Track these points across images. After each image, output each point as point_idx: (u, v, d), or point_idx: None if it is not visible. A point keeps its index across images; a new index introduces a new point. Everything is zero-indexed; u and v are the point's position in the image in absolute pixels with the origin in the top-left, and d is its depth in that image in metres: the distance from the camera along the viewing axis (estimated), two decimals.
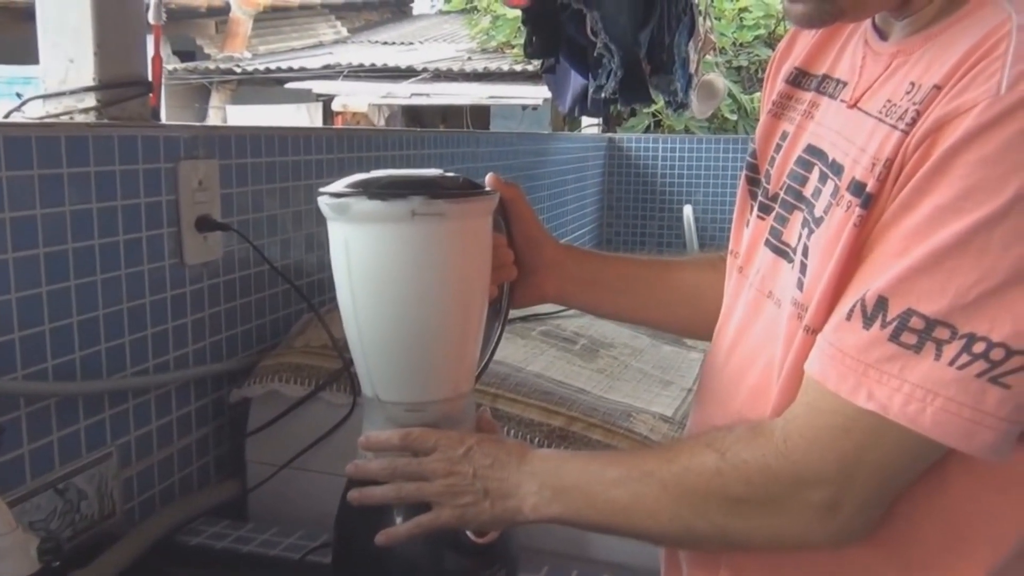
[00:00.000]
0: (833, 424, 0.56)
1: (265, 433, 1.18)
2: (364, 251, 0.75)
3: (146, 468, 1.09)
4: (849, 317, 0.55)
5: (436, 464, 0.74)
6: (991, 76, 0.52)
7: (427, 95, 6.30)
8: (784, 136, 0.71)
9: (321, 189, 0.77)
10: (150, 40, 1.16)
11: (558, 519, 0.69)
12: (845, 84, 0.66)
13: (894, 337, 0.53)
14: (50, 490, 0.94)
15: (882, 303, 0.54)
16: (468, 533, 0.78)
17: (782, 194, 0.69)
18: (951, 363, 0.52)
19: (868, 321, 0.54)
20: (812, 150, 0.66)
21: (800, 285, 0.62)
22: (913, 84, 0.57)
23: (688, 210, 3.75)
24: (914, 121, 0.55)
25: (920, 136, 0.54)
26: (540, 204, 2.86)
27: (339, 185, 0.77)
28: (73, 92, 1.05)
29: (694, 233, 3.67)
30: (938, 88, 0.55)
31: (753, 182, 0.75)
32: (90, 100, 1.05)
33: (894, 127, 0.57)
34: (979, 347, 0.51)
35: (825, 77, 0.69)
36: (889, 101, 0.59)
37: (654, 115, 5.16)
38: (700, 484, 0.62)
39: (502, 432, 0.80)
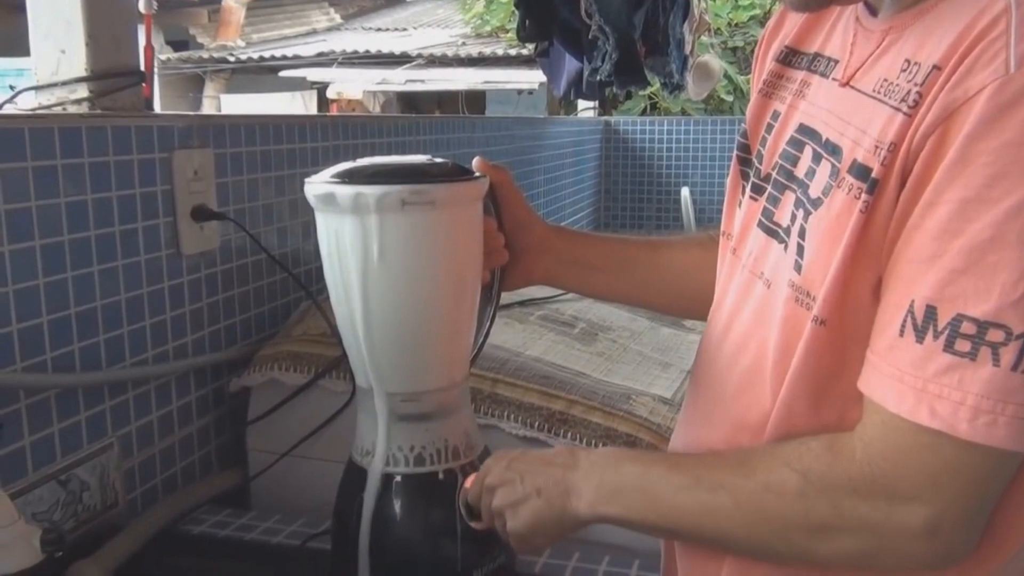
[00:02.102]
0: (914, 444, 0.54)
1: (266, 422, 1.18)
2: (353, 242, 0.75)
3: (148, 458, 1.10)
4: (902, 333, 0.53)
5: (490, 479, 0.75)
6: (996, 56, 0.50)
7: (422, 81, 6.28)
8: (775, 116, 0.71)
9: (308, 179, 0.76)
10: (141, 30, 1.16)
11: (617, 519, 0.68)
12: (836, 62, 0.65)
13: (948, 347, 0.51)
14: (52, 481, 0.94)
15: (931, 312, 0.51)
16: (467, 519, 0.78)
17: (774, 174, 0.68)
18: (1014, 367, 0.49)
19: (920, 334, 0.52)
20: (804, 130, 0.66)
21: (798, 267, 0.62)
22: (909, 62, 0.56)
23: (685, 192, 3.74)
24: (916, 104, 0.54)
25: (929, 124, 0.53)
26: (537, 188, 2.86)
27: (326, 175, 0.76)
28: (65, 83, 1.05)
29: (692, 215, 3.67)
30: (939, 69, 0.53)
31: (744, 163, 0.75)
32: (83, 91, 1.05)
33: (897, 109, 0.56)
34: None
35: (816, 55, 0.69)
36: (886, 80, 0.58)
37: (650, 97, 5.14)
38: (782, 507, 0.59)
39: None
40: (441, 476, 0.81)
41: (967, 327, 0.50)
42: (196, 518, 1.08)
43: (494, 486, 0.74)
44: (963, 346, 0.50)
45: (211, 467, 1.22)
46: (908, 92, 0.55)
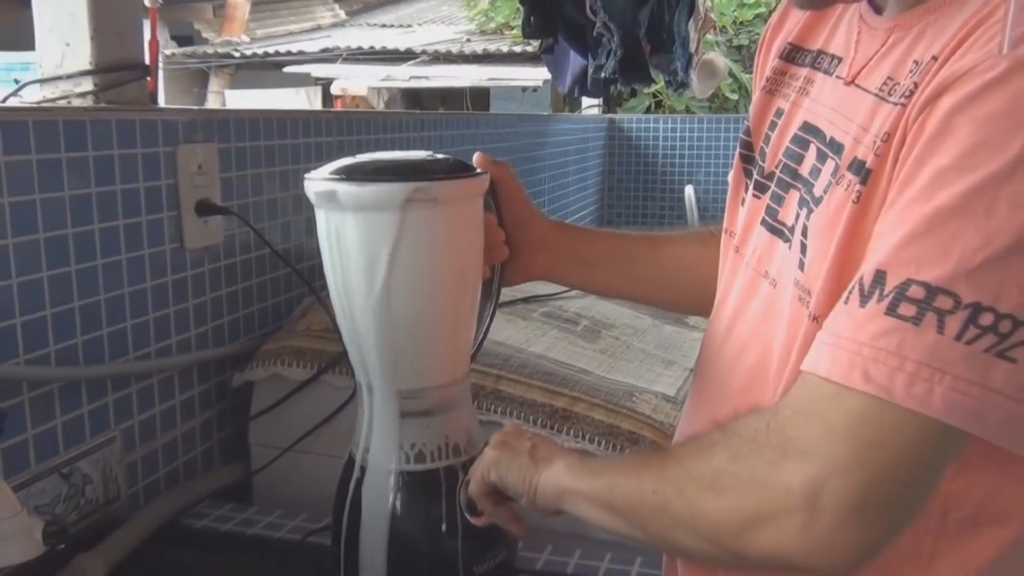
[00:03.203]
0: (824, 396, 0.50)
1: (268, 416, 1.18)
2: (354, 239, 0.74)
3: (150, 452, 1.10)
4: (847, 300, 0.51)
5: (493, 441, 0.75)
6: (991, 40, 0.50)
7: (426, 78, 6.28)
8: (779, 113, 0.71)
9: (307, 176, 0.76)
10: (146, 24, 1.16)
11: (570, 490, 0.66)
12: (840, 60, 0.65)
13: (891, 310, 0.48)
14: (55, 474, 0.94)
15: (880, 277, 0.49)
16: (468, 516, 0.78)
17: (778, 172, 0.68)
18: (957, 337, 0.47)
19: (864, 299, 0.50)
20: (808, 127, 0.65)
21: (801, 266, 0.61)
22: (917, 63, 0.55)
23: (689, 190, 3.74)
24: (911, 94, 0.53)
25: (919, 106, 0.52)
26: (541, 186, 2.86)
27: (325, 171, 0.75)
28: (70, 76, 1.05)
29: (695, 213, 3.67)
30: (935, 59, 0.53)
31: (748, 160, 0.74)
32: (87, 84, 1.05)
33: (895, 104, 0.55)
34: (986, 319, 0.47)
35: (820, 53, 0.69)
36: (891, 79, 0.57)
37: (654, 95, 5.14)
38: (691, 455, 0.57)
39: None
40: (442, 473, 0.81)
41: (915, 291, 0.48)
42: (198, 512, 1.08)
43: (503, 436, 0.75)
44: (907, 310, 0.48)
45: (213, 461, 1.22)
46: (907, 87, 0.55)
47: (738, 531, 0.53)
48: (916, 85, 0.53)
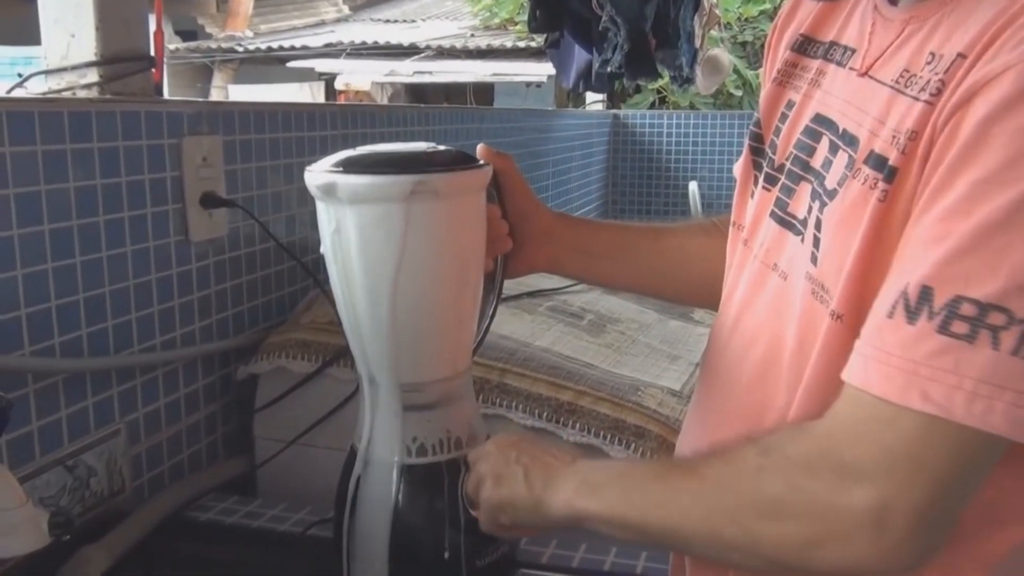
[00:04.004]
0: (879, 417, 0.50)
1: (273, 409, 1.18)
2: (356, 232, 0.74)
3: (155, 445, 1.10)
4: (891, 315, 0.50)
5: (488, 450, 0.75)
6: (1022, 41, 0.49)
7: (430, 73, 6.27)
8: (790, 105, 0.70)
9: (308, 168, 0.75)
10: (152, 16, 1.15)
11: (589, 515, 0.65)
12: (854, 51, 0.64)
13: (943, 328, 0.48)
14: (59, 466, 0.94)
15: (926, 293, 0.49)
16: (470, 509, 0.78)
17: (788, 164, 0.67)
18: (1014, 352, 0.46)
19: (912, 315, 0.49)
20: (820, 119, 0.65)
21: (814, 260, 0.61)
22: (933, 55, 0.55)
23: (693, 186, 3.73)
24: (939, 92, 0.52)
25: (951, 109, 0.51)
26: (544, 181, 2.85)
27: (326, 163, 0.75)
28: (75, 68, 1.04)
29: (700, 209, 3.66)
30: (963, 57, 0.52)
31: (757, 152, 0.74)
32: (92, 75, 1.05)
33: (916, 98, 0.54)
34: None
35: (832, 44, 0.68)
36: (907, 71, 0.57)
37: (659, 91, 5.13)
38: (737, 483, 0.56)
39: None
40: (444, 466, 0.81)
41: (967, 309, 0.48)
42: (203, 505, 1.08)
43: (488, 456, 0.74)
44: (960, 328, 0.48)
45: (218, 454, 1.22)
46: (929, 82, 0.54)
47: (804, 553, 0.54)
48: (944, 83, 0.52)
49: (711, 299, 0.79)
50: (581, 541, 0.99)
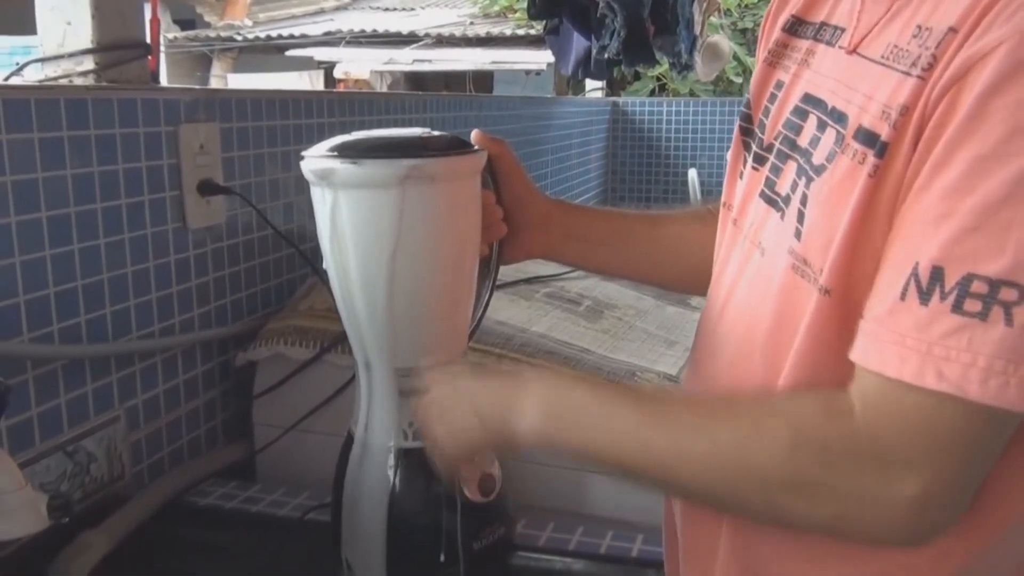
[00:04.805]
0: (916, 408, 0.51)
1: (271, 396, 1.19)
2: (352, 217, 0.74)
3: (154, 431, 1.10)
4: (903, 296, 0.50)
5: (428, 393, 0.73)
6: (1016, 12, 0.49)
7: (429, 61, 6.25)
8: (779, 85, 0.70)
9: (304, 153, 0.75)
10: (147, 3, 1.15)
11: (564, 445, 0.64)
12: (843, 30, 0.64)
13: (956, 307, 0.48)
14: (59, 452, 0.94)
15: (937, 273, 0.49)
16: (466, 492, 0.79)
17: (777, 144, 0.67)
18: None
19: (925, 296, 0.49)
20: (809, 99, 0.65)
21: (798, 235, 0.61)
22: (920, 27, 0.54)
23: (693, 173, 3.72)
24: (930, 67, 0.52)
25: (944, 84, 0.51)
26: (544, 169, 2.85)
27: (321, 148, 0.75)
28: (71, 55, 1.04)
29: (699, 196, 3.66)
30: (954, 31, 0.52)
31: (747, 133, 0.74)
32: (89, 63, 1.05)
33: (907, 73, 0.54)
34: None
35: (823, 24, 0.68)
36: (896, 46, 0.56)
37: (658, 79, 5.12)
38: (768, 461, 0.55)
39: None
40: None
41: (978, 286, 0.48)
42: (202, 490, 1.09)
43: (434, 406, 0.72)
44: (973, 306, 0.48)
45: (217, 440, 1.22)
46: (920, 56, 0.53)
47: (833, 526, 0.56)
48: (935, 58, 0.52)
49: (707, 287, 0.79)
50: (578, 525, 1.00)
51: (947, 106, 0.50)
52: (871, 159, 0.55)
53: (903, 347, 0.50)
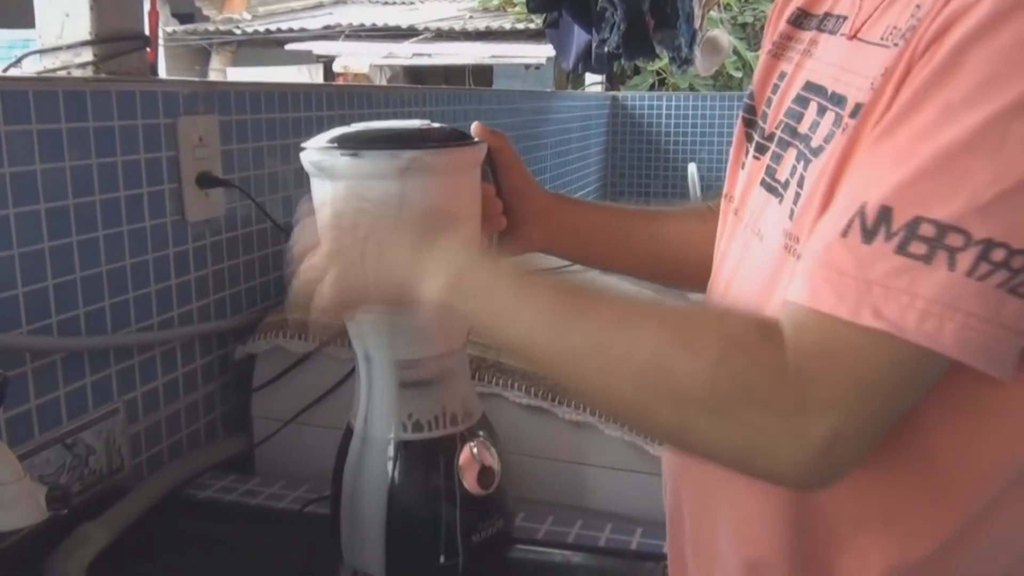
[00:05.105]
0: (848, 345, 0.49)
1: (270, 389, 1.19)
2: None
3: (153, 424, 1.10)
4: (846, 233, 0.49)
5: (330, 229, 0.69)
6: None
7: (429, 55, 6.24)
8: (782, 76, 0.70)
9: (303, 144, 0.75)
10: None
11: (473, 317, 0.60)
12: (845, 18, 0.65)
13: (901, 248, 0.47)
14: (58, 444, 0.94)
15: (885, 213, 0.48)
16: (465, 485, 0.79)
17: (778, 133, 0.67)
18: (968, 273, 0.46)
19: (869, 235, 0.48)
20: (810, 86, 0.65)
21: (791, 215, 0.60)
22: (919, 7, 0.54)
23: (692, 168, 3.72)
24: (914, 29, 0.52)
25: (928, 40, 0.50)
26: (543, 163, 2.85)
27: (320, 140, 0.75)
28: (70, 47, 1.04)
29: (698, 191, 3.66)
30: None
31: (750, 123, 0.74)
32: (87, 55, 1.05)
33: (896, 45, 0.54)
34: (998, 255, 0.46)
35: (826, 15, 0.68)
36: (894, 27, 0.56)
37: (658, 73, 5.11)
38: (690, 370, 0.52)
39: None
40: (440, 442, 0.81)
41: (925, 229, 0.47)
42: (201, 483, 1.09)
43: (332, 247, 0.66)
44: (918, 248, 0.47)
45: (216, 433, 1.22)
46: (909, 28, 0.53)
47: (736, 456, 0.53)
48: (919, 21, 0.52)
49: (706, 284, 0.79)
50: (577, 518, 1.00)
51: (928, 59, 0.50)
52: (848, 120, 0.54)
53: (840, 284, 0.49)
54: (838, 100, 0.60)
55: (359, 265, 0.65)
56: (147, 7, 1.12)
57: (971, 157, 0.47)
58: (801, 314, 0.51)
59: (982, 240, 0.46)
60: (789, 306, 0.52)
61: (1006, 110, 0.46)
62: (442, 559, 0.81)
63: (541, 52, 5.50)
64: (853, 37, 0.62)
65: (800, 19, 0.72)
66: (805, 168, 0.60)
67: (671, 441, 0.58)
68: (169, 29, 6.94)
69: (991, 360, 0.48)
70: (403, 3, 7.83)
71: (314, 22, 6.87)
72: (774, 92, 0.70)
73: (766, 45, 0.76)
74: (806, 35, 0.70)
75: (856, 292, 0.48)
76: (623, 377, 0.54)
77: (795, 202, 0.61)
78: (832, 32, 0.66)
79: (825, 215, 0.52)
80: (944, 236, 0.47)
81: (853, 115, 0.56)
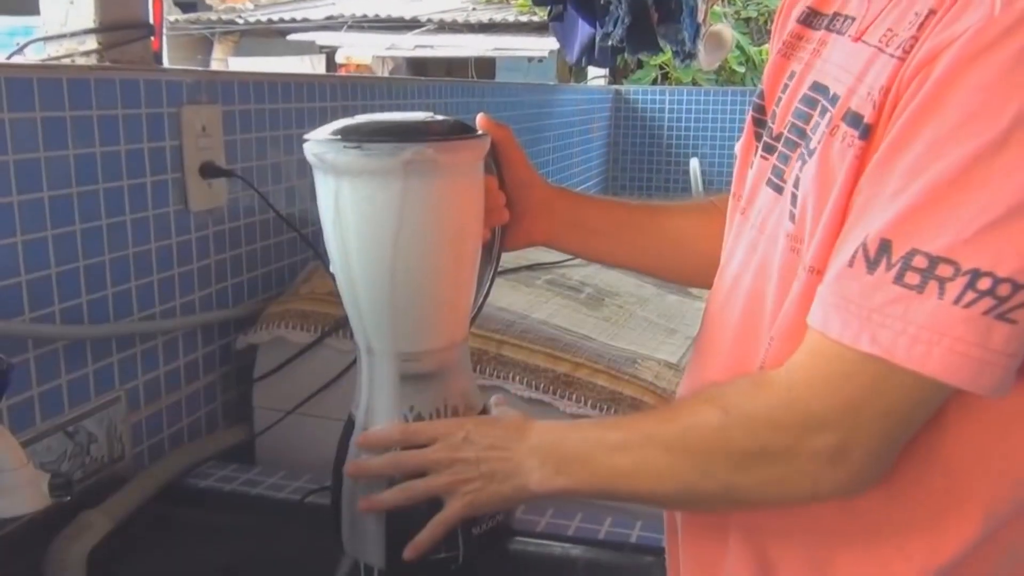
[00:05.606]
0: (838, 371, 0.55)
1: (272, 379, 1.19)
2: (353, 201, 0.74)
3: (155, 413, 1.11)
4: (851, 263, 0.54)
5: (439, 455, 0.75)
6: (983, 2, 0.50)
7: (431, 47, 6.23)
8: (791, 76, 0.70)
9: (306, 136, 0.75)
10: None
11: (565, 491, 0.70)
12: (853, 19, 0.65)
13: (898, 279, 0.52)
14: (60, 432, 0.95)
15: (885, 246, 0.52)
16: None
17: (786, 133, 0.68)
18: (956, 302, 0.50)
19: (872, 266, 0.53)
20: (816, 87, 0.65)
21: (792, 217, 0.62)
22: (918, 15, 0.55)
23: (695, 163, 3.72)
24: (911, 48, 0.54)
25: (916, 66, 0.53)
26: (545, 156, 2.85)
27: (324, 131, 0.74)
28: (74, 34, 1.04)
29: (701, 186, 3.65)
30: (933, 12, 0.53)
31: (759, 123, 0.74)
32: (91, 42, 1.04)
33: (892, 55, 0.56)
34: (984, 283, 0.49)
35: (836, 15, 0.68)
36: (891, 31, 0.57)
37: (661, 67, 5.10)
38: (703, 442, 0.62)
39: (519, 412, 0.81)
40: None
41: (919, 261, 0.51)
42: (202, 472, 1.09)
43: (448, 462, 0.75)
44: (912, 279, 0.51)
45: (217, 423, 1.23)
46: (905, 39, 0.55)
47: (773, 491, 0.61)
48: (915, 39, 0.54)
49: (708, 279, 0.79)
50: (577, 510, 1.00)
51: (915, 89, 0.53)
52: (857, 142, 0.56)
53: (847, 312, 0.54)
54: (834, 100, 0.60)
55: (481, 489, 0.73)
56: None
57: (958, 191, 0.50)
58: (813, 336, 0.57)
59: (969, 270, 0.50)
60: (808, 332, 0.58)
61: (989, 145, 0.49)
62: (442, 551, 0.81)
63: (544, 45, 5.50)
64: (858, 39, 0.62)
65: (810, 18, 0.72)
66: (801, 169, 0.61)
67: (727, 506, 0.67)
68: (171, 17, 6.92)
69: (979, 382, 0.51)
70: None
71: (317, 12, 6.85)
72: (783, 92, 0.70)
73: (776, 44, 0.76)
74: (816, 35, 0.70)
75: (859, 319, 0.53)
76: (662, 476, 0.65)
77: (793, 204, 0.62)
78: (841, 33, 0.66)
79: (837, 242, 0.57)
80: (935, 267, 0.51)
81: (853, 125, 0.57)
